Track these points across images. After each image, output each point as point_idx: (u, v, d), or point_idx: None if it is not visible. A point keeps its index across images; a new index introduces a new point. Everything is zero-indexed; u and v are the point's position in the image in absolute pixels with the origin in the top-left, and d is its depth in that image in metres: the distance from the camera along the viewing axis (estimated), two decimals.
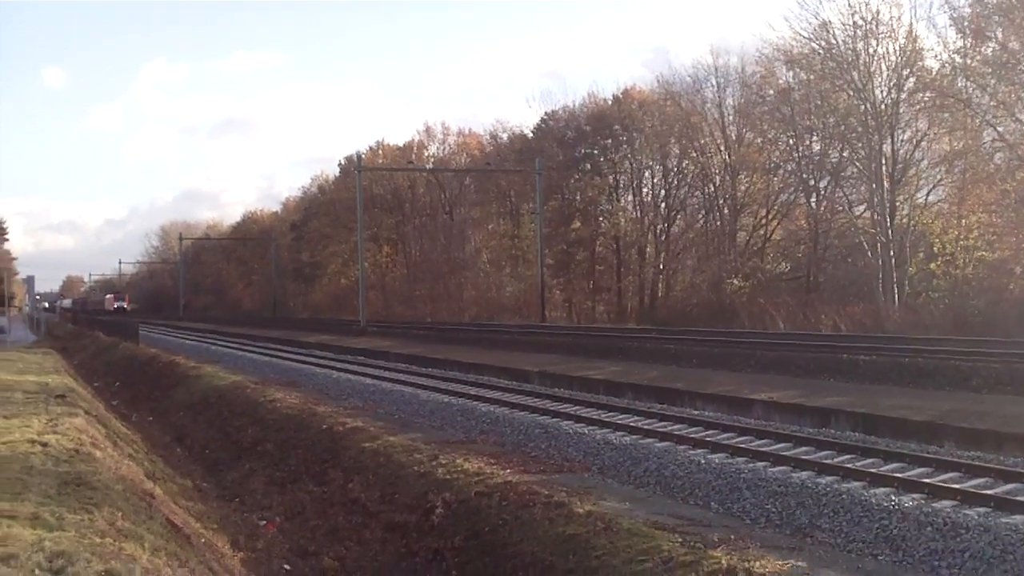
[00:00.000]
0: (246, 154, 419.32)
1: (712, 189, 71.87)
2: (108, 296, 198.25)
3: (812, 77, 58.08)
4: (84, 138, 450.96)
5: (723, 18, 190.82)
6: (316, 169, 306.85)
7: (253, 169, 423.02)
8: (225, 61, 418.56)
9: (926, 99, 52.06)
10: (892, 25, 52.89)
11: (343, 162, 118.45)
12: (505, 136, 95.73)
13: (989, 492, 15.05)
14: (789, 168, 65.18)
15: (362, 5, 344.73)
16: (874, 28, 52.82)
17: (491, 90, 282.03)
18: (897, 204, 52.88)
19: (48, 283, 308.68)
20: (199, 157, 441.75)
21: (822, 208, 61.38)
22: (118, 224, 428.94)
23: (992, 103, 49.06)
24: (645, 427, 22.52)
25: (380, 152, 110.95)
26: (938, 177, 53.86)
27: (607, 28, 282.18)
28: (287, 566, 17.22)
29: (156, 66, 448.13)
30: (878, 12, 52.59)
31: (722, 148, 69.80)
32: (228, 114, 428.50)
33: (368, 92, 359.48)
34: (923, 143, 53.51)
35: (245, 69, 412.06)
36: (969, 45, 50.68)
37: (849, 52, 53.93)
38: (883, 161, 52.13)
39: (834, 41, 54.68)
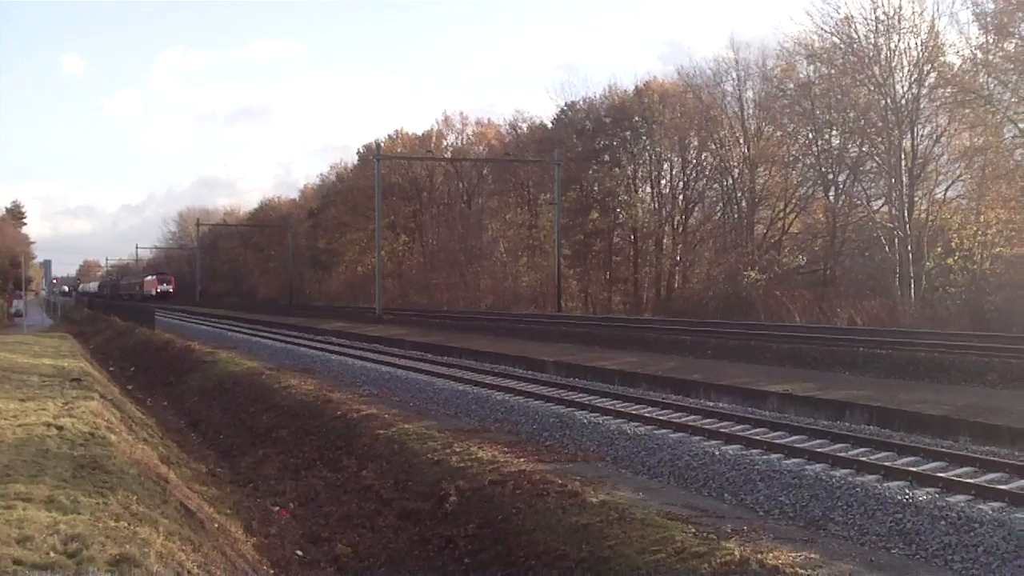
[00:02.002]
0: (263, 142, 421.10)
1: (730, 182, 71.79)
2: (149, 277, 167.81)
3: (833, 71, 57.96)
4: (102, 124, 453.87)
5: (739, 12, 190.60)
6: (333, 158, 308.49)
7: (270, 157, 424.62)
8: (243, 49, 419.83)
9: (947, 95, 51.85)
10: (914, 20, 52.72)
11: (362, 150, 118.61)
12: (524, 126, 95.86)
13: (1004, 487, 15.04)
14: (808, 162, 65.12)
15: None
16: (896, 23, 52.63)
17: (508, 81, 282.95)
18: (915, 199, 52.75)
19: (65, 267, 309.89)
20: (216, 144, 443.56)
21: (840, 202, 61.27)
22: (135, 210, 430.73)
23: (1013, 99, 48.87)
24: (660, 417, 22.54)
25: (399, 141, 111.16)
26: (957, 173, 53.75)
27: (622, 21, 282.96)
28: (300, 552, 17.26)
29: (174, 54, 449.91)
30: (900, 7, 52.42)
31: (741, 141, 69.76)
32: (245, 102, 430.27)
33: (385, 81, 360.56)
34: (943, 139, 53.34)
35: (263, 57, 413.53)
36: (991, 41, 50.48)
37: (870, 47, 53.76)
38: (902, 156, 51.96)
39: (855, 36, 54.53)
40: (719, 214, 74.84)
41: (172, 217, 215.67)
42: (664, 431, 21.03)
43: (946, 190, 54.64)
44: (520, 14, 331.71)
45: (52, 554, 9.91)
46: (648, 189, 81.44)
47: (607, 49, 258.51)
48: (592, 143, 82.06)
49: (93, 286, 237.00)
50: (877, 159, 55.65)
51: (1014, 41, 48.90)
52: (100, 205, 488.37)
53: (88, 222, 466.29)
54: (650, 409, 24.18)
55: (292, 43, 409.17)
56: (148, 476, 16.27)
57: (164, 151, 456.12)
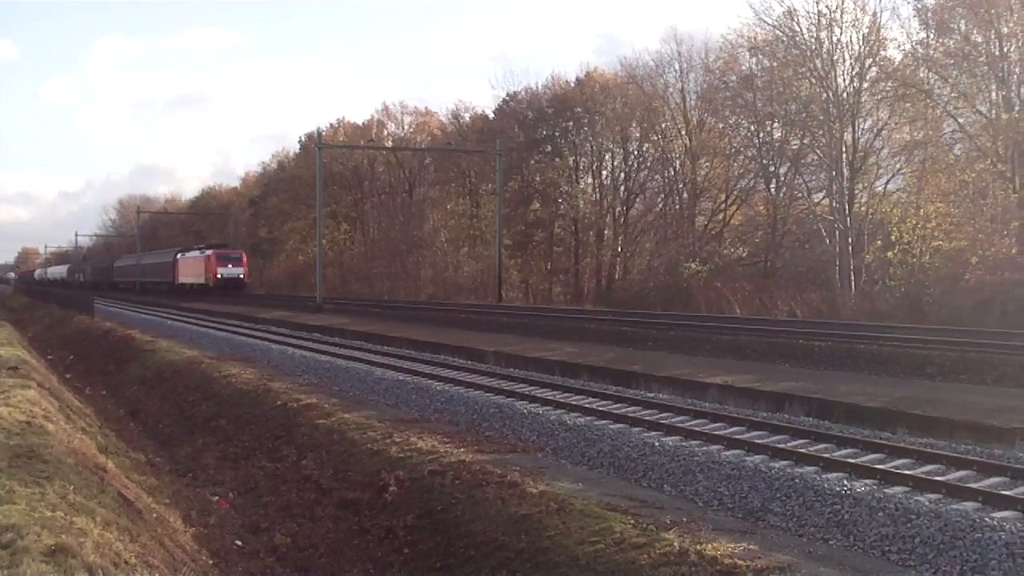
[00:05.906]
0: (201, 130, 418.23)
1: (672, 173, 72.17)
2: (196, 253, 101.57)
3: (775, 64, 58.29)
4: (37, 111, 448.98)
5: (673, 5, 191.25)
6: (272, 146, 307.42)
7: (208, 145, 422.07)
8: (179, 37, 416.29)
9: (888, 89, 52.33)
10: (856, 14, 53.20)
11: (303, 139, 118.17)
12: (467, 116, 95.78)
13: (941, 479, 15.15)
14: (749, 154, 65.57)
15: None
16: (838, 17, 53.05)
17: (445, 71, 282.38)
18: (856, 192, 53.19)
19: (2, 255, 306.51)
20: (154, 132, 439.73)
21: (781, 194, 61.71)
22: (73, 197, 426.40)
23: (953, 94, 49.43)
24: (600, 408, 22.50)
25: (341, 129, 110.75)
26: (897, 166, 54.30)
27: (555, 12, 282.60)
28: (239, 542, 17.15)
29: (110, 41, 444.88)
30: (843, 1, 52.83)
31: (683, 132, 70.06)
32: (183, 90, 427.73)
33: (323, 71, 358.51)
34: (884, 132, 53.80)
35: (200, 46, 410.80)
36: (932, 36, 51.06)
37: (812, 40, 54.10)
38: (843, 149, 52.30)
39: (798, 29, 54.85)
40: (660, 205, 75.25)
41: (111, 204, 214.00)
42: (604, 422, 21.02)
43: (886, 183, 55.27)
44: (455, 5, 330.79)
45: None
46: (590, 180, 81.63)
47: (541, 41, 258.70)
48: (534, 133, 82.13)
49: (60, 270, 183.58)
50: (818, 152, 56.01)
51: (954, 37, 49.42)
52: (37, 192, 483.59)
53: (25, 209, 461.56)
54: (590, 400, 24.17)
55: (229, 32, 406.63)
56: (86, 466, 16.10)
57: (101, 138, 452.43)
